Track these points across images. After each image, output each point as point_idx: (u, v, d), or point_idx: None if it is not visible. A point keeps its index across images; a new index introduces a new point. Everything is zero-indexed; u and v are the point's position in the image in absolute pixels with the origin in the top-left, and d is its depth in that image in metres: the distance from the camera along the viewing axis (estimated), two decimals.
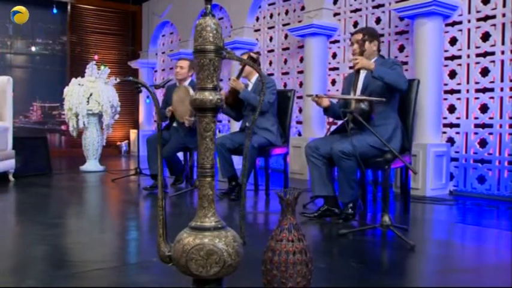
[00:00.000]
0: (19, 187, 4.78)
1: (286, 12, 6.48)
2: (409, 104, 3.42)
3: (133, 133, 9.40)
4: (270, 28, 6.73)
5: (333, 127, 3.62)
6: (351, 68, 5.14)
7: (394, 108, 3.30)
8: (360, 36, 3.27)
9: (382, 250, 2.72)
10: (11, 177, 5.13)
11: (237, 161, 4.47)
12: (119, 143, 9.32)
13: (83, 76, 6.26)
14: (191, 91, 4.51)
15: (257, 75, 4.37)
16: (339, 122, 3.61)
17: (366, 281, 2.11)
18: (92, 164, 6.22)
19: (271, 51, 6.65)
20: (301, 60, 6.18)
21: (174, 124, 4.78)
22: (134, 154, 9.23)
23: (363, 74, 3.30)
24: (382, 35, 5.19)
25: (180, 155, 5.00)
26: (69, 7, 8.92)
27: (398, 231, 2.73)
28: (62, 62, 9.02)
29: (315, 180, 3.30)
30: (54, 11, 8.42)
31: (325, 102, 3.37)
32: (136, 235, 3.04)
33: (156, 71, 9.43)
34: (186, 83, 4.89)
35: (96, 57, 7.21)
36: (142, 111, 9.41)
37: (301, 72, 6.17)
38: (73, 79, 6.22)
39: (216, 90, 1.76)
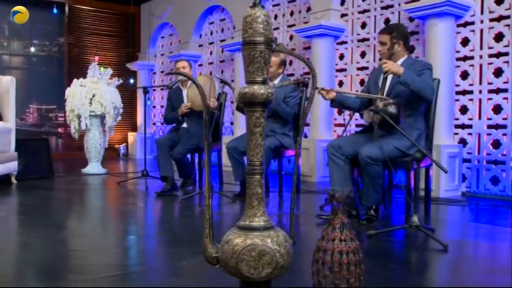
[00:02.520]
0: (23, 190, 4.65)
1: (291, 13, 6.44)
2: (430, 103, 3.38)
3: (131, 136, 9.28)
4: (274, 29, 6.68)
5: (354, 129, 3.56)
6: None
7: (421, 113, 3.24)
8: (387, 38, 3.19)
9: (415, 250, 2.67)
10: (13, 180, 5.01)
11: None
12: (117, 146, 9.19)
13: (82, 78, 6.15)
14: (212, 77, 4.48)
15: (281, 76, 4.27)
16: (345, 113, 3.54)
17: (408, 281, 2.06)
18: (94, 167, 6.10)
19: None
20: None
21: (184, 125, 4.70)
22: (132, 157, 9.12)
23: (389, 76, 3.23)
24: None
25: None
26: (66, 8, 8.79)
27: (427, 231, 2.69)
28: (59, 64, 8.89)
29: (335, 180, 3.23)
30: (55, 11, 8.28)
31: (331, 94, 3.30)
32: (156, 238, 2.94)
33: (154, 73, 9.32)
34: (189, 82, 4.82)
35: (96, 58, 7.09)
36: (140, 113, 9.29)
37: (307, 73, 6.12)
38: (75, 80, 6.10)
39: (266, 83, 1.70)
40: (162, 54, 9.14)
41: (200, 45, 8.04)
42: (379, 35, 3.29)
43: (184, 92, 4.76)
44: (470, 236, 3.15)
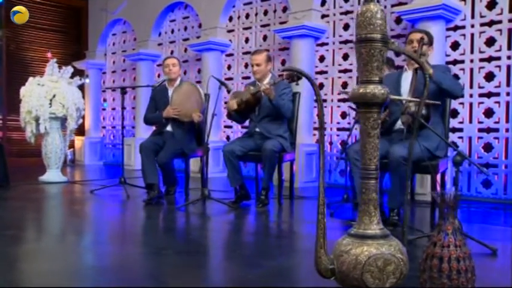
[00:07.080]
0: None
1: (265, 13, 6.22)
2: (445, 107, 3.35)
3: (79, 140, 8.59)
4: (245, 29, 6.43)
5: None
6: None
7: (441, 114, 3.25)
8: (419, 36, 3.11)
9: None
10: None
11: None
12: None
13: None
14: (197, 85, 4.21)
15: (270, 74, 4.09)
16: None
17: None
18: (53, 174, 5.49)
19: (247, 53, 6.33)
20: (283, 62, 5.97)
21: (168, 128, 4.34)
22: (80, 163, 8.46)
23: (409, 76, 3.15)
24: None
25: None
26: None
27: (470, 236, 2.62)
28: None
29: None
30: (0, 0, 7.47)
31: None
32: (187, 252, 2.55)
33: (104, 73, 8.71)
34: (177, 82, 4.49)
35: (49, 54, 6.45)
36: (89, 116, 8.62)
37: (282, 75, 5.94)
38: (30, 78, 5.47)
39: (382, 83, 1.58)
40: (113, 53, 8.56)
41: (159, 44, 7.61)
42: (413, 33, 3.18)
43: (170, 91, 4.40)
44: (498, 239, 3.11)
